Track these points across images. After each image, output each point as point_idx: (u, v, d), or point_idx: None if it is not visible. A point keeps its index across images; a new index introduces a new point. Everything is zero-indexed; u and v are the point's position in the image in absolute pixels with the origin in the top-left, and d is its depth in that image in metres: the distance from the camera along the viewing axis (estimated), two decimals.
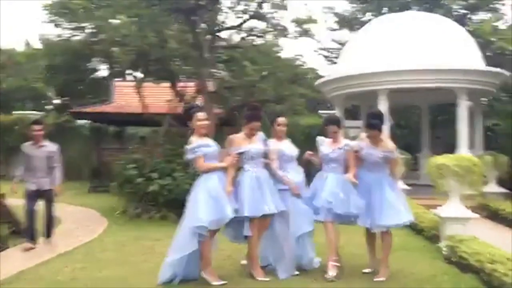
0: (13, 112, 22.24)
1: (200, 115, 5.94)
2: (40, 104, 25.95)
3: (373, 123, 6.08)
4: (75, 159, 20.51)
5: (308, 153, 6.47)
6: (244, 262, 6.34)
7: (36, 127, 7.85)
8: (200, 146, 5.80)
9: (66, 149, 20.13)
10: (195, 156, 5.81)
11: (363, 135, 6.33)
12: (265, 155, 6.21)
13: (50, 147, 7.99)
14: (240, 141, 6.03)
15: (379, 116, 6.22)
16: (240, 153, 5.99)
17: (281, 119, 6.41)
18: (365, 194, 6.10)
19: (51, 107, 26.85)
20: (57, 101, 27.44)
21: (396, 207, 5.98)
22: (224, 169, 5.91)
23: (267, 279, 5.92)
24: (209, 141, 6.00)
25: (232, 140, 6.06)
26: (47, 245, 7.91)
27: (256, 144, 6.10)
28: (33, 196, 7.76)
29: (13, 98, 24.67)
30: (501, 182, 12.96)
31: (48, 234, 8.10)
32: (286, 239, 6.16)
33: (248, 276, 6.02)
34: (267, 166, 6.22)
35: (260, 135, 6.26)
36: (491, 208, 11.08)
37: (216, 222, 5.64)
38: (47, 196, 7.88)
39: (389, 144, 6.20)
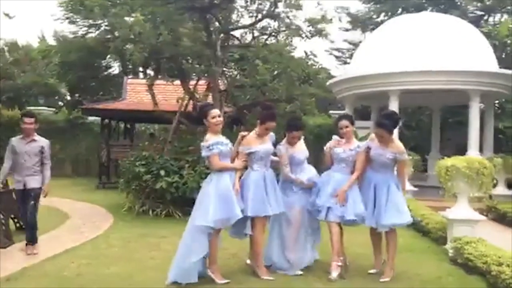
0: (27, 108, 22.41)
1: (214, 112, 5.88)
2: (53, 100, 26.13)
3: (382, 122, 6.08)
4: (84, 155, 20.76)
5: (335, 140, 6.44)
6: (249, 261, 6.33)
7: (27, 119, 7.09)
8: (216, 143, 5.76)
9: (77, 145, 20.66)
10: (211, 154, 5.76)
11: (373, 135, 6.32)
12: (274, 154, 6.25)
13: (42, 142, 7.22)
14: (251, 141, 6.02)
15: (391, 117, 6.21)
16: (250, 153, 5.99)
17: (297, 133, 6.32)
18: (371, 194, 6.09)
19: (63, 103, 27.01)
20: (69, 98, 27.63)
21: (400, 207, 5.97)
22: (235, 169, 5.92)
23: (272, 278, 5.92)
24: (223, 138, 5.95)
25: (243, 139, 6.04)
26: (29, 251, 7.08)
27: (266, 144, 6.10)
28: (23, 198, 7.14)
29: (27, 94, 24.85)
30: (510, 185, 12.83)
31: (30, 239, 7.19)
32: (292, 238, 6.20)
33: (252, 275, 6.03)
34: (274, 166, 6.27)
35: (271, 135, 6.26)
36: (499, 211, 10.99)
37: (224, 221, 5.65)
38: (34, 195, 7.09)
39: (399, 145, 6.17)
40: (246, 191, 5.89)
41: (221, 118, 5.96)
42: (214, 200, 5.60)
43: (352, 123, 6.34)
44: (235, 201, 5.63)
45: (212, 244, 5.72)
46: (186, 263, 5.58)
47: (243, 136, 6.04)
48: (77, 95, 26.16)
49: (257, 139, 6.05)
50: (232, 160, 5.99)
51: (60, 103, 27.31)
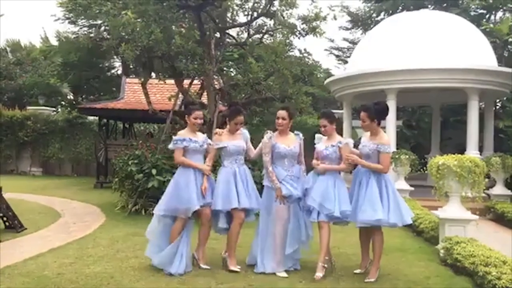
0: (28, 108, 22.42)
1: (198, 113, 6.19)
2: (54, 100, 26.10)
3: (368, 106, 6.11)
4: (84, 155, 20.76)
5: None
6: (224, 254, 6.32)
7: None
8: (183, 140, 6.06)
9: (76, 145, 20.67)
10: (175, 148, 6.09)
11: (366, 133, 6.28)
12: (245, 152, 6.36)
13: None
14: (221, 137, 6.22)
15: (379, 106, 6.17)
16: (220, 149, 6.19)
17: (279, 112, 6.27)
18: (356, 191, 6.01)
19: (65, 103, 27.00)
20: (72, 98, 27.61)
21: (374, 203, 5.76)
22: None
23: (238, 268, 6.06)
24: (198, 137, 6.21)
25: (216, 136, 6.28)
26: None
27: (237, 141, 6.24)
28: None
29: (28, 94, 24.86)
30: (509, 185, 12.65)
31: None
32: (273, 234, 6.10)
33: (233, 274, 5.99)
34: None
35: (244, 132, 6.37)
36: (497, 211, 10.86)
37: (176, 211, 5.96)
38: None
39: (384, 138, 6.08)
40: (216, 187, 6.12)
41: (201, 121, 6.30)
42: (170, 190, 6.03)
43: (332, 122, 6.21)
44: (193, 193, 5.90)
45: (173, 231, 6.02)
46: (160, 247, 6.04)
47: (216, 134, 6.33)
48: (77, 95, 26.18)
49: (228, 136, 6.25)
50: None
51: (63, 103, 27.31)
